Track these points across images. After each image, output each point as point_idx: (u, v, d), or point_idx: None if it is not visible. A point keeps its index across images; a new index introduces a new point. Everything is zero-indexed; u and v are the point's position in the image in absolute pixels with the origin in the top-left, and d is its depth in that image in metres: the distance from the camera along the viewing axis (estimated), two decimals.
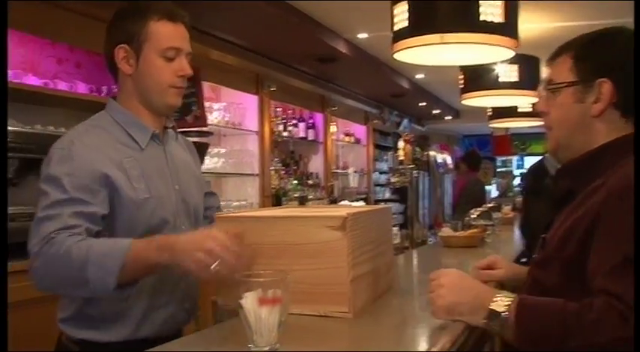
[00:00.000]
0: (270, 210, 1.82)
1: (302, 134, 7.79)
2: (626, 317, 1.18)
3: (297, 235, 1.51)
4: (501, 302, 1.33)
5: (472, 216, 3.69)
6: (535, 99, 5.58)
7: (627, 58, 1.41)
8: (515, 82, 5.07)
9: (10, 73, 3.65)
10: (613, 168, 1.38)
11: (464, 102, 5.41)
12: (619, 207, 1.29)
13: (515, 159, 15.94)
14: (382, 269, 1.81)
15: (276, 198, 6.70)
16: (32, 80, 3.78)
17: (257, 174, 6.45)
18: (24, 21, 3.66)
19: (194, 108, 4.88)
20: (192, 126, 4.89)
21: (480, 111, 7.30)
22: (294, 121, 7.68)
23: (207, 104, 5.30)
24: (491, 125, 7.70)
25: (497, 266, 1.95)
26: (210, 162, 5.62)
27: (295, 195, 7.10)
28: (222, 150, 6.03)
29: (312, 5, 5.30)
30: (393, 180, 4.44)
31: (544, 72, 5.50)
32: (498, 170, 14.97)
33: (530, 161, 15.23)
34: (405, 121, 11.35)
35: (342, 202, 7.89)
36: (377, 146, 10.53)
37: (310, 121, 8.01)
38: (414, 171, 3.83)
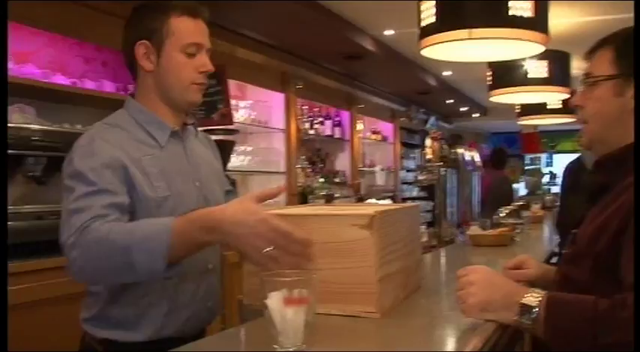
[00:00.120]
0: (297, 208, 1.80)
1: (328, 132, 7.77)
2: None
3: (324, 234, 1.48)
4: (533, 298, 1.30)
5: (501, 215, 3.64)
6: (565, 96, 5.50)
7: None
8: (544, 78, 4.99)
9: (38, 72, 3.68)
10: None
11: (492, 99, 5.34)
12: None
13: (544, 156, 15.74)
14: (411, 268, 1.78)
15: (303, 197, 6.69)
16: (60, 79, 3.81)
17: (283, 172, 6.44)
18: (51, 21, 3.69)
19: (220, 106, 4.88)
20: (219, 124, 4.90)
21: (508, 108, 7.21)
22: (321, 119, 7.66)
23: (233, 102, 5.30)
24: (519, 122, 7.60)
25: (526, 266, 1.90)
26: (236, 160, 5.62)
27: (322, 194, 7.08)
28: (249, 148, 6.03)
29: (339, 2, 5.27)
30: (420, 177, 4.39)
31: (576, 67, 5.43)
32: (527, 168, 14.80)
33: (559, 159, 15.07)
34: (432, 119, 11.28)
35: (369, 200, 7.85)
36: (404, 144, 10.46)
37: (337, 119, 7.98)
38: (442, 169, 3.78)
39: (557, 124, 7.83)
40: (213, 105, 4.84)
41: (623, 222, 1.31)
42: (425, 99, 10.11)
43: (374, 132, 9.39)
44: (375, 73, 7.75)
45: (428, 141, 4.00)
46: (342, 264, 1.47)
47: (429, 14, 3.01)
